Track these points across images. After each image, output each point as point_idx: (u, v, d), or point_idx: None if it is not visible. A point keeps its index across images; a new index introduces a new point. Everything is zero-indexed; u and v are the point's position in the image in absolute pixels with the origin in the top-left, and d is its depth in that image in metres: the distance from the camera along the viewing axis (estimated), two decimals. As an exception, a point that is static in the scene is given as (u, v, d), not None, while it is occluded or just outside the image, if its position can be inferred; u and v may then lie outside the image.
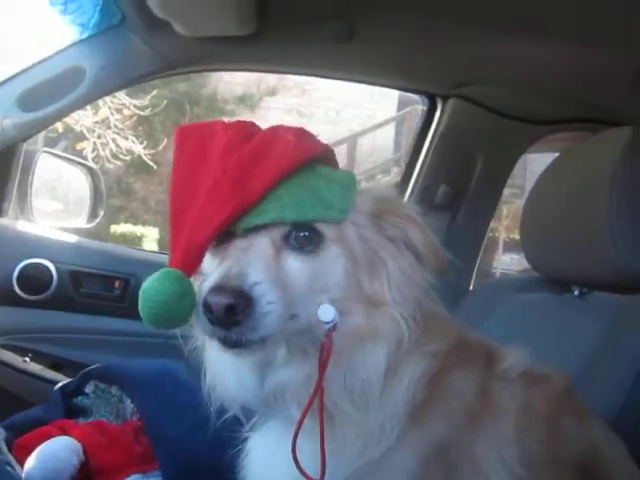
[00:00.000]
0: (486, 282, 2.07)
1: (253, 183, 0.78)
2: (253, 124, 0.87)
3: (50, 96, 1.59)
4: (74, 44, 1.62)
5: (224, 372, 0.86)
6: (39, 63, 1.64)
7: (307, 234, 0.78)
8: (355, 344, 0.79)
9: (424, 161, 2.03)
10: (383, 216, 0.84)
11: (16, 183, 1.82)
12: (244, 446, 0.90)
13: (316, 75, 1.84)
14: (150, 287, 0.75)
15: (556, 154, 1.56)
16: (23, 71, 1.64)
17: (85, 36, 1.62)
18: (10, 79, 1.63)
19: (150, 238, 10.15)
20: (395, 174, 13.18)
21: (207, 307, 0.71)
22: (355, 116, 12.91)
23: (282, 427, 0.82)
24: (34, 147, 1.92)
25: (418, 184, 2.03)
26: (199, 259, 0.77)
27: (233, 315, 0.70)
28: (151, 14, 1.50)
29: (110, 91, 1.72)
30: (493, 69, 1.73)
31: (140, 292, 0.76)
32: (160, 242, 10.56)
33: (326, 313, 0.77)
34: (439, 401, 0.82)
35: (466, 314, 1.44)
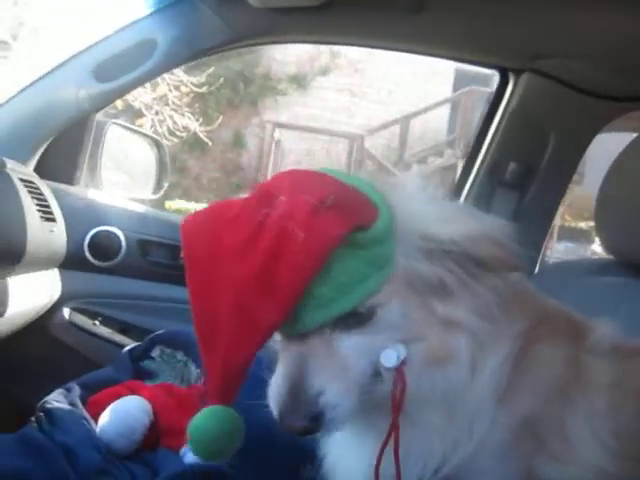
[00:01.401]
0: (554, 264, 2.01)
1: (277, 294, 0.72)
2: (256, 200, 0.78)
3: (123, 67, 1.63)
4: (146, 17, 1.65)
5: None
6: (112, 35, 1.68)
7: (353, 315, 0.75)
8: (431, 367, 0.78)
9: (493, 137, 1.97)
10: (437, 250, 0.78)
11: (88, 153, 1.87)
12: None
13: (385, 48, 1.81)
14: (197, 428, 0.79)
15: (633, 134, 1.49)
16: (97, 43, 1.68)
17: (157, 8, 1.65)
18: (85, 51, 1.68)
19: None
20: (448, 156, 12.95)
21: (284, 427, 0.75)
22: (408, 97, 12.71)
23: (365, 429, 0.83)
24: (104, 118, 1.97)
25: (486, 161, 1.98)
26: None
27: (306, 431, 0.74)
28: (222, -16, 1.51)
29: (181, 63, 1.74)
30: (572, 41, 1.65)
31: (188, 431, 0.79)
32: (212, 219, 10.74)
33: (388, 359, 0.76)
34: (526, 374, 0.81)
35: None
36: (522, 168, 1.94)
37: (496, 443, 0.79)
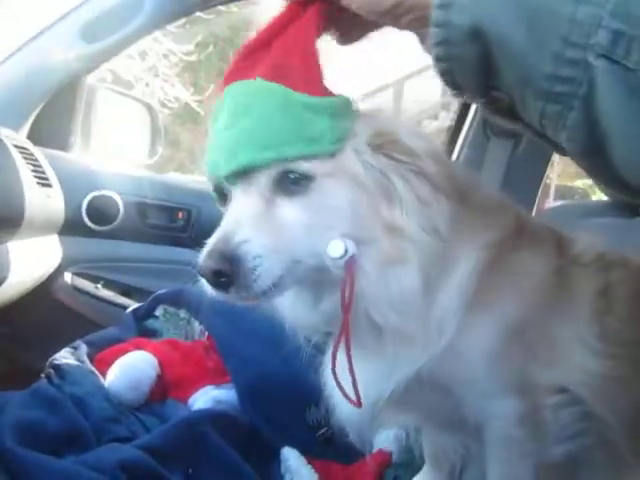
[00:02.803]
0: (549, 208, 2.02)
1: None
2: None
3: (111, 26, 1.61)
4: (132, -28, 1.62)
5: (282, 300, 0.87)
6: (98, -6, 1.65)
7: (295, 175, 0.75)
8: (382, 271, 0.78)
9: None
10: (387, 148, 0.79)
11: (80, 118, 1.87)
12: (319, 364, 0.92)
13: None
14: None
15: None
16: (83, 3, 1.66)
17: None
18: (71, 11, 1.65)
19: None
20: (443, 119, 12.82)
21: (200, 273, 0.73)
22: (401, 60, 12.53)
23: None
24: (95, 83, 1.95)
25: (479, 110, 1.97)
26: None
27: (222, 277, 0.71)
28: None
29: (170, 20, 1.72)
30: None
31: None
32: (208, 190, 10.72)
33: (335, 249, 0.76)
34: (509, 282, 0.82)
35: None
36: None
37: (484, 350, 0.81)
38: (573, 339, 0.82)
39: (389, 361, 0.82)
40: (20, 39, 1.68)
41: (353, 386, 0.78)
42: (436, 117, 13.04)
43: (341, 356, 0.79)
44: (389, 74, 12.07)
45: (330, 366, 0.80)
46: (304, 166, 0.75)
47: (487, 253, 0.82)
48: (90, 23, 1.61)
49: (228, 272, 0.71)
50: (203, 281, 0.75)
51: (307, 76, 0.77)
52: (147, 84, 9.39)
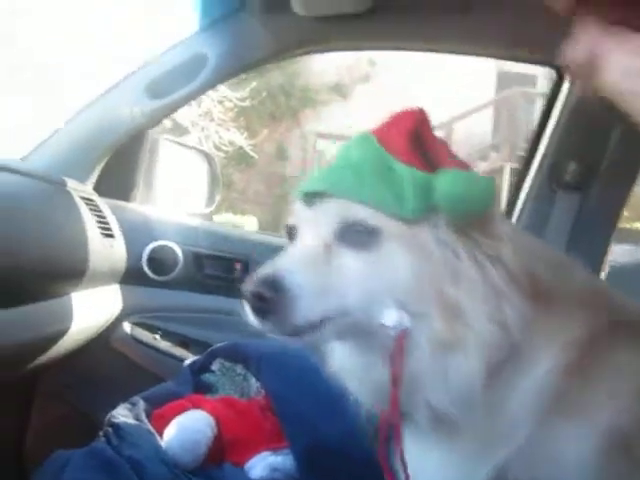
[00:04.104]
0: (622, 268, 1.91)
1: None
2: None
3: (175, 83, 1.66)
4: (196, 32, 1.67)
5: (341, 365, 0.85)
6: (164, 53, 1.71)
7: (362, 229, 0.74)
8: (439, 352, 0.74)
9: (551, 137, 1.90)
10: (471, 230, 0.76)
11: (143, 170, 1.91)
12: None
13: (434, 50, 1.78)
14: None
15: None
16: (150, 61, 1.72)
17: (206, 24, 1.67)
18: (139, 69, 1.71)
19: (250, 227, 10.49)
20: (494, 160, 12.70)
21: (243, 295, 0.74)
22: (450, 100, 12.57)
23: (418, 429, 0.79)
24: (156, 135, 2.00)
25: (545, 162, 1.91)
26: None
27: (263, 302, 0.71)
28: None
29: (231, 76, 1.76)
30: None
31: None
32: (259, 231, 10.88)
33: (389, 317, 0.73)
34: (605, 385, 0.76)
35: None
36: (583, 168, 1.85)
37: (582, 459, 0.74)
38: None
39: (460, 458, 0.77)
40: (91, 96, 1.75)
41: (404, 473, 0.73)
42: (486, 158, 12.94)
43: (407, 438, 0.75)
44: (438, 115, 12.10)
45: (379, 446, 0.75)
46: (375, 220, 0.74)
47: (571, 352, 0.76)
48: (156, 80, 1.66)
49: (269, 297, 0.71)
50: (245, 306, 0.75)
51: (410, 148, 0.77)
52: (203, 129, 9.72)
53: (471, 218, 0.75)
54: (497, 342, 0.73)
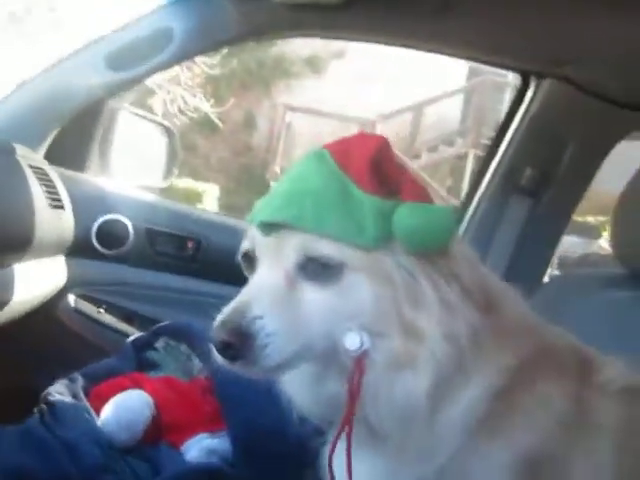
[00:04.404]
0: (563, 275, 1.99)
1: None
2: None
3: (138, 57, 1.61)
4: (163, 6, 1.62)
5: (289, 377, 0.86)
6: (129, 24, 1.65)
7: (325, 262, 0.75)
8: (392, 370, 0.77)
9: (510, 142, 1.94)
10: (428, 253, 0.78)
11: (99, 139, 1.86)
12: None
13: (405, 46, 1.78)
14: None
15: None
16: (112, 32, 1.66)
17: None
18: (100, 39, 1.66)
19: (211, 195, 10.34)
20: (459, 146, 12.84)
21: (211, 340, 0.74)
22: (422, 84, 12.58)
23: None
24: (115, 105, 1.95)
25: (503, 164, 1.95)
26: None
27: (231, 350, 0.72)
28: (242, -23, 1.48)
29: (197, 53, 1.73)
30: (598, 47, 1.60)
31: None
32: (220, 199, 10.74)
33: (351, 341, 0.75)
34: (522, 412, 0.79)
35: (538, 309, 1.38)
36: (538, 174, 1.91)
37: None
38: (590, 476, 0.78)
39: (384, 470, 0.80)
40: (47, 62, 1.69)
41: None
42: (452, 143, 13.07)
43: (340, 446, 0.77)
44: (410, 98, 12.12)
45: (328, 455, 0.78)
46: (337, 254, 0.75)
47: (502, 378, 0.79)
48: (117, 52, 1.61)
49: (238, 346, 0.72)
50: (212, 347, 0.75)
51: (371, 175, 0.77)
52: (169, 92, 9.46)
53: (429, 250, 0.77)
54: (448, 358, 0.76)
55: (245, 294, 0.76)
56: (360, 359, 0.75)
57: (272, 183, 11.03)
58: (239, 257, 0.84)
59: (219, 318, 0.74)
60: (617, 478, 0.78)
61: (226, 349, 0.73)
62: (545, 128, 1.92)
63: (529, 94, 1.93)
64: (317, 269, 0.75)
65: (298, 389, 0.84)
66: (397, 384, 0.76)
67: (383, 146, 0.79)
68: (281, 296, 0.75)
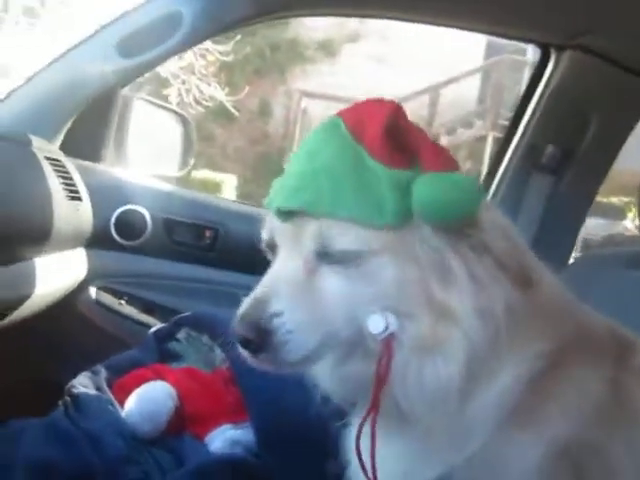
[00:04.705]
0: (589, 254, 1.94)
1: None
2: None
3: (148, 42, 1.59)
4: (172, -11, 1.59)
5: None
6: (137, 9, 1.63)
7: (344, 247, 0.72)
8: (422, 353, 0.73)
9: (531, 118, 1.88)
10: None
11: (114, 129, 1.84)
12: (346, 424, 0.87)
13: (416, 21, 1.73)
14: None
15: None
16: (121, 17, 1.64)
17: (183, -20, 1.59)
18: (108, 25, 1.63)
19: (229, 185, 10.35)
20: (478, 128, 12.65)
21: (233, 334, 0.73)
22: (438, 65, 12.39)
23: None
24: (130, 94, 1.93)
25: (523, 142, 1.89)
26: None
27: (252, 346, 0.72)
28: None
29: (207, 36, 1.70)
30: (619, 15, 1.54)
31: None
32: (238, 189, 10.75)
33: (375, 324, 0.73)
34: (558, 399, 0.75)
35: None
36: (560, 152, 1.85)
37: (526, 468, 0.74)
38: (630, 466, 0.74)
39: (413, 455, 0.77)
40: (60, 47, 1.67)
41: (372, 470, 0.73)
42: (471, 125, 12.88)
43: (366, 429, 0.74)
44: (426, 78, 11.95)
45: (354, 440, 0.75)
46: (356, 238, 0.71)
47: (537, 365, 0.75)
48: (127, 38, 1.59)
49: (258, 343, 0.71)
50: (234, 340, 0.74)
51: (387, 144, 0.72)
52: (184, 82, 9.45)
53: (454, 223, 0.72)
54: (482, 339, 0.72)
55: (265, 285, 0.75)
56: (388, 341, 0.72)
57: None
58: (262, 244, 0.82)
59: (239, 311, 0.73)
60: None
61: (247, 344, 0.72)
62: (566, 103, 1.85)
63: (549, 68, 1.86)
64: (337, 255, 0.73)
65: (322, 369, 0.82)
66: (427, 367, 0.73)
67: (397, 111, 0.75)
68: (301, 287, 0.73)
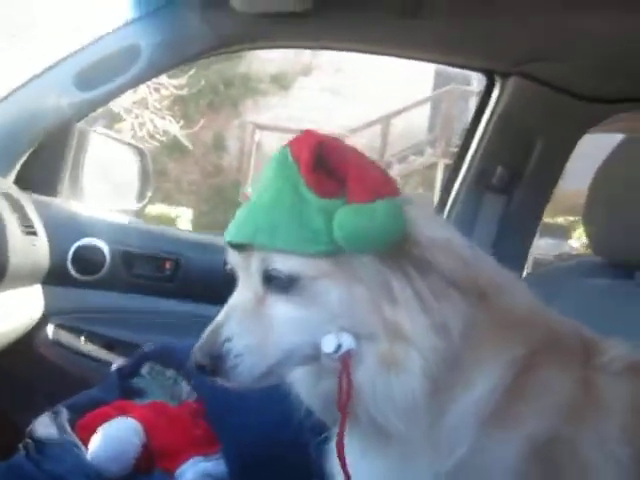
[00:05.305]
0: (541, 269, 2.01)
1: None
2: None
3: (106, 75, 1.59)
4: (129, 22, 1.60)
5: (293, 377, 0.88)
6: (94, 42, 1.62)
7: (284, 276, 0.76)
8: (384, 371, 0.76)
9: (480, 142, 1.97)
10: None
11: (70, 163, 1.82)
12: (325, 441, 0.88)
13: (372, 52, 1.79)
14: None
15: (619, 135, 1.49)
16: (78, 50, 1.63)
17: (140, 15, 1.60)
18: (66, 58, 1.62)
19: (184, 219, 10.24)
20: (429, 155, 12.99)
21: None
22: (389, 96, 12.74)
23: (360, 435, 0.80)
24: (85, 127, 1.91)
25: (473, 166, 1.97)
26: None
27: (206, 371, 0.77)
28: (207, -11, 1.47)
29: (165, 69, 1.70)
30: (559, 44, 1.65)
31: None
32: (194, 222, 10.65)
33: (327, 344, 0.76)
34: (532, 400, 0.78)
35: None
36: (509, 172, 1.94)
37: (504, 468, 0.76)
38: (601, 459, 0.77)
39: (397, 469, 0.78)
40: (13, 83, 1.64)
41: None
42: (422, 153, 13.22)
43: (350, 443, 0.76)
44: (377, 109, 12.25)
45: (337, 455, 0.76)
46: (293, 266, 0.75)
47: (512, 370, 0.77)
48: (85, 71, 1.58)
49: (210, 368, 0.76)
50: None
51: (317, 174, 0.76)
52: (137, 116, 9.39)
53: (377, 249, 0.75)
54: (440, 353, 0.74)
55: (221, 315, 0.79)
56: (345, 360, 0.75)
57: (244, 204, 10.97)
58: (227, 273, 0.85)
59: (199, 341, 0.78)
60: (630, 458, 0.77)
61: (203, 369, 0.77)
62: (513, 126, 1.95)
63: (495, 94, 1.96)
64: (281, 283, 0.77)
65: (301, 385, 0.85)
66: (392, 384, 0.75)
67: (325, 142, 0.77)
68: (250, 315, 0.78)
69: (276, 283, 0.76)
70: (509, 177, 1.96)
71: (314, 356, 0.78)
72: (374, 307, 0.75)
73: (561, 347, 0.83)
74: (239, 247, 0.79)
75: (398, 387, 0.75)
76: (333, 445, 0.79)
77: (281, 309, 0.77)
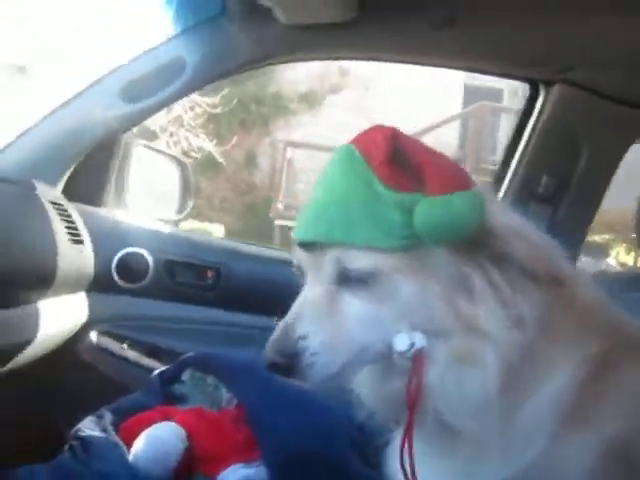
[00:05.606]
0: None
1: None
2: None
3: (151, 88, 1.63)
4: (174, 36, 1.65)
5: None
6: (140, 56, 1.68)
7: (359, 272, 0.75)
8: (457, 369, 0.75)
9: (524, 151, 1.95)
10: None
11: (115, 174, 1.87)
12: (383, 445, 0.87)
13: (415, 63, 1.80)
14: None
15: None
16: (125, 64, 1.68)
17: (184, 28, 1.65)
18: (113, 72, 1.68)
19: (216, 235, 10.36)
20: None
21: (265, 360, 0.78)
22: (418, 113, 12.73)
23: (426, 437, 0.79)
24: (130, 139, 1.96)
25: (518, 175, 1.95)
26: None
27: (281, 370, 0.77)
28: (250, 2, 1.51)
29: (209, 81, 1.74)
30: (604, 50, 1.62)
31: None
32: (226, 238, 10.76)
33: (400, 342, 0.75)
34: (612, 400, 0.76)
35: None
36: (555, 182, 1.91)
37: (580, 467, 0.74)
38: None
39: (462, 471, 0.77)
40: (63, 98, 1.71)
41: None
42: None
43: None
44: (407, 126, 12.22)
45: (399, 460, 0.76)
46: (369, 261, 0.74)
47: (588, 367, 0.76)
48: (131, 83, 1.63)
49: (286, 366, 0.75)
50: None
51: (392, 169, 0.75)
52: (172, 134, 9.60)
53: (457, 240, 0.74)
54: (516, 347, 0.73)
55: (292, 312, 0.78)
56: (417, 359, 0.74)
57: (276, 221, 11.06)
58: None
59: (271, 338, 0.77)
60: None
61: (276, 368, 0.76)
62: (558, 134, 1.92)
63: (539, 102, 1.94)
64: (354, 279, 0.76)
65: (364, 386, 0.84)
66: (465, 381, 0.74)
67: (397, 136, 0.78)
68: (323, 312, 0.77)
69: (350, 280, 0.76)
70: (555, 186, 1.92)
71: (385, 354, 0.77)
72: (448, 302, 0.75)
73: (633, 348, 0.81)
74: (309, 245, 0.79)
75: (471, 383, 0.74)
76: (392, 448, 0.79)
77: (355, 306, 0.76)
